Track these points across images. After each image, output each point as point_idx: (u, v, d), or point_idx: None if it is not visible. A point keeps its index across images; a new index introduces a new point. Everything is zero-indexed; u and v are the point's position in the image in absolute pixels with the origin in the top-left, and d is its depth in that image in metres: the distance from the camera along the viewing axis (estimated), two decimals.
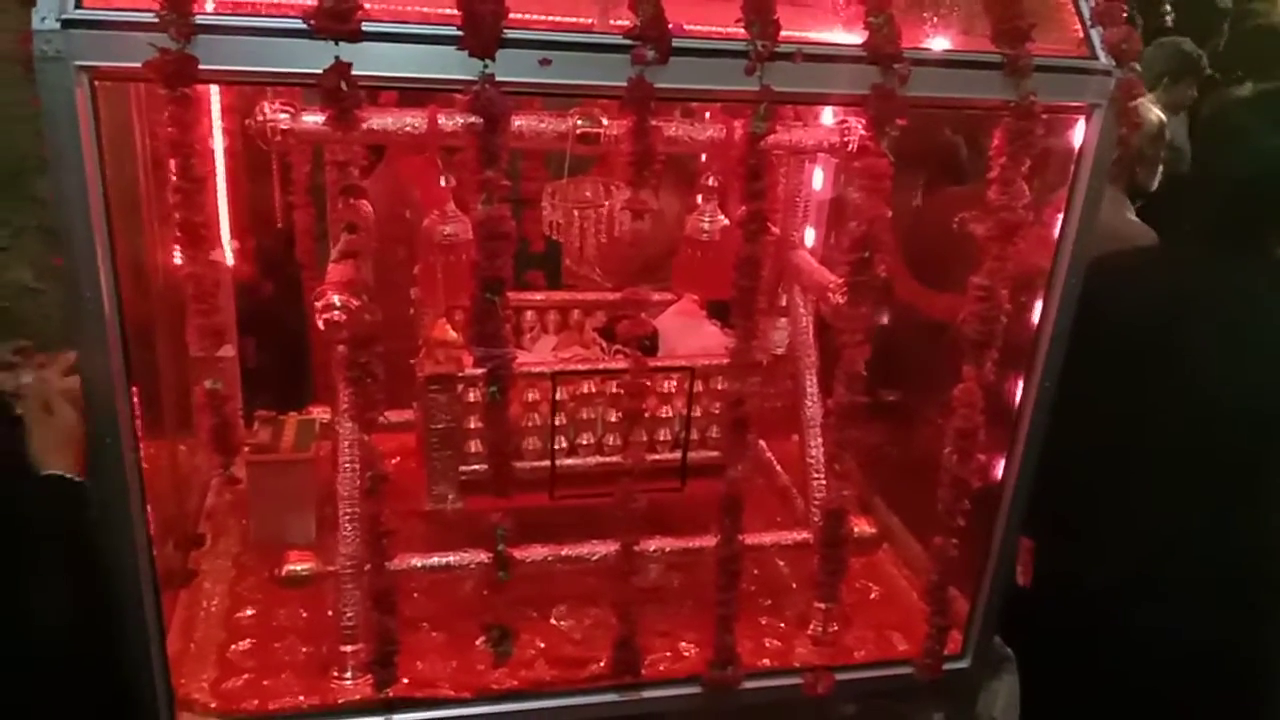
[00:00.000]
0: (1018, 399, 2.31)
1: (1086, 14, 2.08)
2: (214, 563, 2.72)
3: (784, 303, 2.76)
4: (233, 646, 2.42)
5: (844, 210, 3.33)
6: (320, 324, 2.06)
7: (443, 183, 2.30)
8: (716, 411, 2.63)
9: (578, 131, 2.21)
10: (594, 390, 2.56)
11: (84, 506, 2.02)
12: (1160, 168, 3.83)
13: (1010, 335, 2.19)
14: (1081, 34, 2.08)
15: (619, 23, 1.98)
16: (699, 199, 2.60)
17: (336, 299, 2.05)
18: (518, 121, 2.13)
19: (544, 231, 2.55)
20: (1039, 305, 2.24)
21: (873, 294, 2.11)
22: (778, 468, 2.94)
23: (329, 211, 2.55)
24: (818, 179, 2.98)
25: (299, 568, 2.32)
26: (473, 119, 1.76)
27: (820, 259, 2.78)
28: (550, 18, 2.11)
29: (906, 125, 1.94)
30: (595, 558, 2.43)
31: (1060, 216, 2.18)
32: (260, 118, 2.08)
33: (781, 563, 2.89)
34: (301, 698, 2.27)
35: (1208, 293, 2.48)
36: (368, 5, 1.72)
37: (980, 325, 2.15)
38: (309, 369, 3.53)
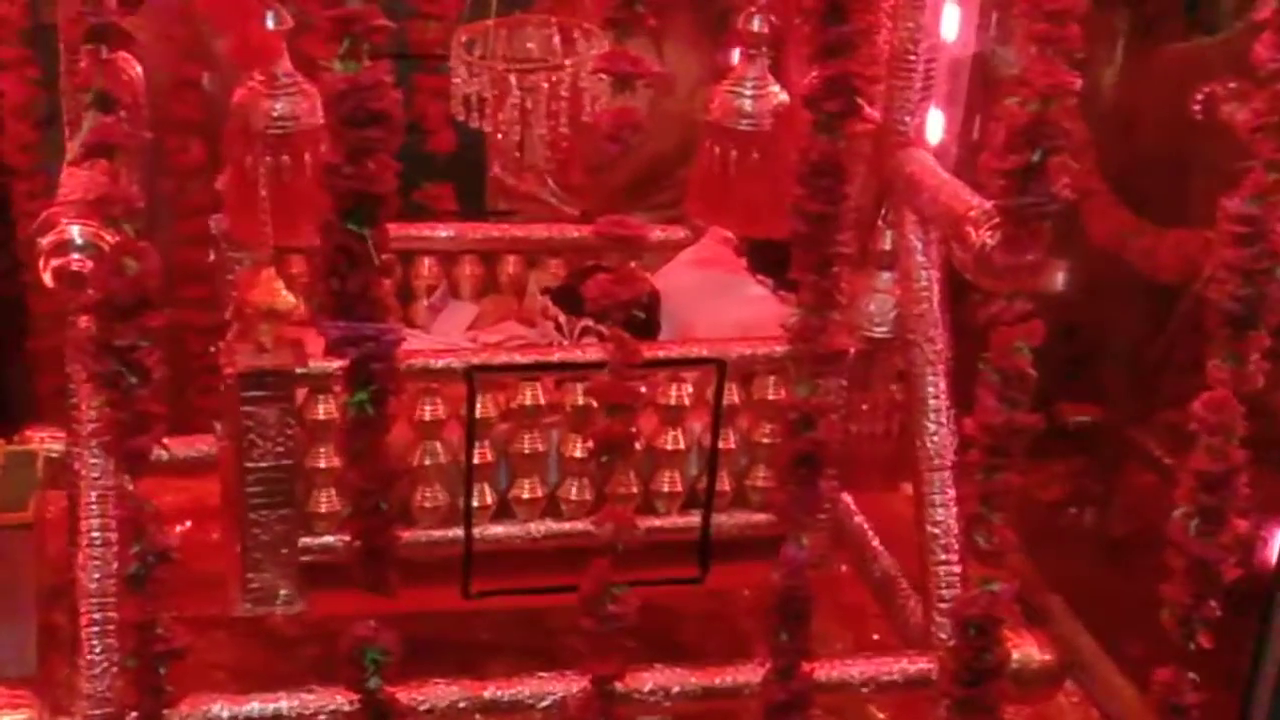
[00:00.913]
0: None
1: None
2: None
3: (888, 245, 2.77)
4: None
5: (997, 81, 3.35)
6: (47, 276, 2.06)
7: (270, 22, 2.30)
8: (765, 441, 2.65)
9: None
10: (543, 401, 2.57)
11: None
12: None
13: None
14: None
15: None
16: (734, 56, 2.60)
17: (76, 232, 2.04)
18: None
19: (454, 114, 2.56)
20: None
21: (1047, 230, 2.11)
22: (875, 542, 2.96)
23: (62, 77, 2.54)
24: (950, 21, 2.98)
25: None
26: None
27: (953, 167, 2.78)
28: None
29: None
30: (545, 704, 2.43)
31: None
32: None
33: (883, 716, 2.90)
34: None
35: None
36: None
37: (1240, 286, 2.15)
38: (24, 361, 3.53)
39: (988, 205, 2.27)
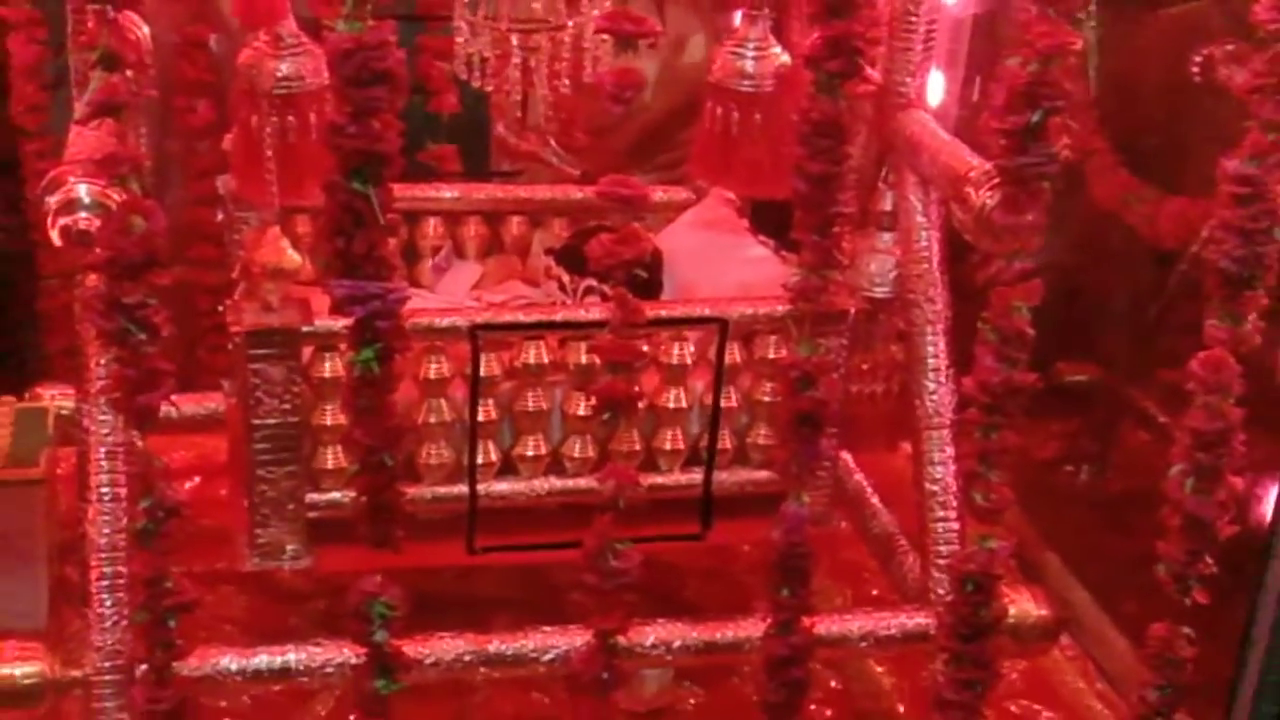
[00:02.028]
0: None
1: None
2: None
3: (888, 205, 2.76)
4: None
5: (997, 40, 3.34)
6: (55, 235, 2.06)
7: None
8: (766, 399, 2.65)
9: None
10: (547, 359, 2.57)
11: None
12: None
13: None
14: None
15: None
16: (736, 18, 2.59)
17: (84, 191, 2.04)
18: None
19: (458, 74, 2.55)
20: None
21: (1046, 191, 2.10)
22: (874, 499, 2.96)
23: (70, 35, 2.53)
24: None
25: (18, 672, 2.33)
26: None
27: (954, 128, 2.77)
28: None
29: None
30: (548, 658, 2.45)
31: None
32: None
33: (880, 669, 2.93)
34: None
35: None
36: None
37: (1238, 247, 2.15)
38: (35, 320, 3.54)
39: (988, 166, 2.27)
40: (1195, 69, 2.95)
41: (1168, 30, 3.25)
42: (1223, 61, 2.90)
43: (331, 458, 2.52)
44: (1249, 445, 2.27)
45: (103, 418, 2.36)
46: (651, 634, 2.47)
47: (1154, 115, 3.19)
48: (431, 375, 2.53)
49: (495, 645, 2.46)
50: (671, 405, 2.62)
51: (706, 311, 2.62)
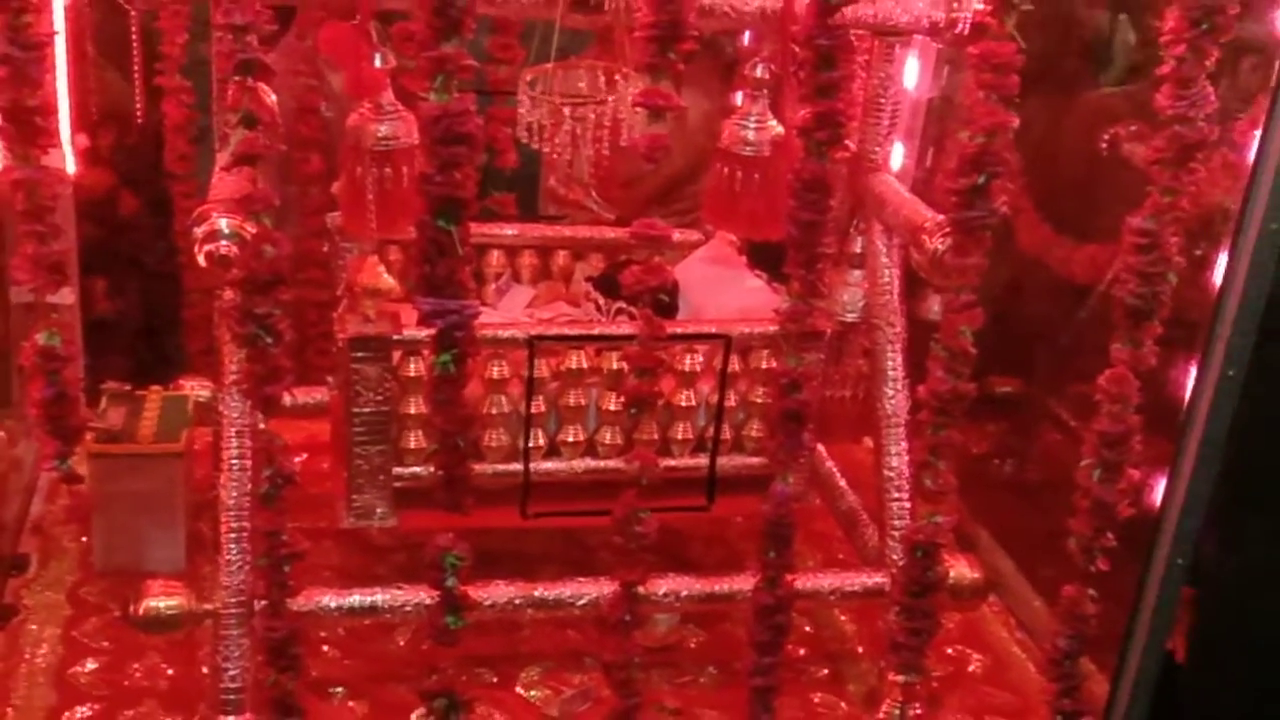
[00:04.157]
0: (1188, 392, 2.30)
1: None
2: (41, 595, 2.74)
3: (859, 248, 2.76)
4: (66, 715, 2.44)
5: (949, 118, 3.33)
6: (201, 258, 2.05)
7: (378, 62, 2.29)
8: (760, 400, 2.64)
9: None
10: (585, 365, 2.57)
11: None
12: None
13: (1181, 302, 2.18)
14: None
15: None
16: (739, 97, 2.59)
17: (225, 223, 2.04)
18: None
19: (519, 137, 2.55)
20: (1222, 260, 2.22)
21: (987, 238, 2.10)
22: (842, 482, 2.95)
23: (214, 100, 2.54)
24: (911, 72, 2.96)
25: (162, 604, 2.33)
26: None
27: (913, 187, 2.77)
28: None
29: None
30: (582, 602, 2.45)
31: (1258, 134, 2.16)
32: None
33: (844, 617, 2.91)
34: None
35: None
36: None
37: (1139, 286, 2.14)
38: (180, 324, 3.55)
39: (940, 218, 2.27)
40: (1107, 142, 2.94)
41: (1097, 110, 3.24)
42: (1127, 139, 2.89)
43: (414, 439, 2.52)
44: (1144, 445, 2.27)
45: (234, 404, 2.37)
46: (664, 585, 2.47)
47: (1080, 180, 3.18)
48: (494, 376, 2.53)
49: (540, 591, 2.46)
50: (683, 404, 2.62)
51: (713, 330, 2.62)
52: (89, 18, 3.00)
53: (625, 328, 2.47)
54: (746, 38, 3.03)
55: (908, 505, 2.59)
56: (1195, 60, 2.03)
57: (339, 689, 2.54)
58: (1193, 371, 2.28)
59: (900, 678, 2.49)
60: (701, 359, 2.60)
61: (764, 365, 2.62)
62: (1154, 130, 2.12)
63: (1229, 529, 2.44)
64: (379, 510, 2.54)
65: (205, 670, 2.47)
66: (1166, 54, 2.06)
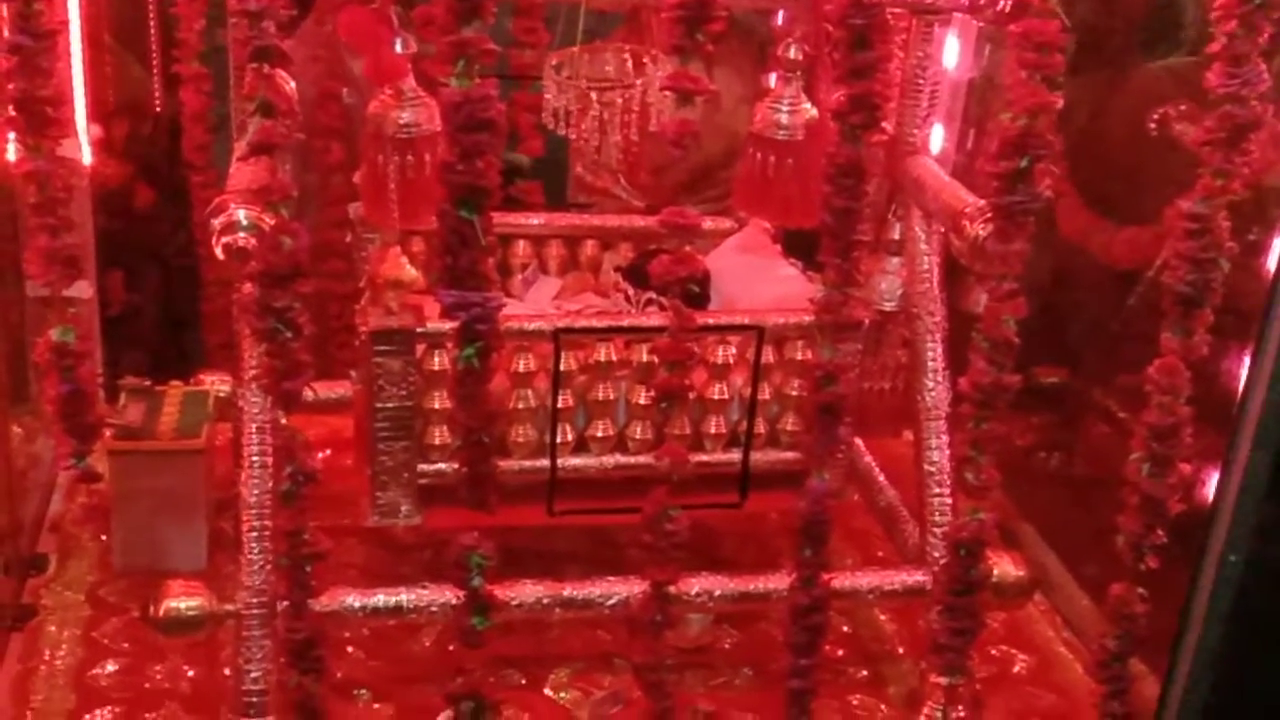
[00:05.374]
0: (1241, 383, 2.28)
1: None
2: (60, 596, 2.76)
3: (897, 235, 2.74)
4: (86, 718, 2.45)
5: (990, 99, 3.31)
6: (219, 251, 2.06)
7: (398, 47, 2.30)
8: (794, 393, 2.63)
9: None
10: (614, 358, 2.57)
11: None
12: None
13: (1233, 289, 2.16)
14: None
15: None
16: (772, 79, 2.58)
17: (242, 215, 2.05)
18: None
19: (545, 123, 2.55)
20: (1277, 244, 2.21)
21: (1030, 224, 2.08)
22: (881, 478, 2.94)
23: (232, 88, 2.55)
24: (951, 51, 2.94)
25: (183, 605, 2.34)
26: None
27: (953, 171, 2.75)
28: None
29: None
30: (612, 602, 2.44)
31: None
32: None
33: (884, 617, 2.90)
34: None
35: None
36: None
37: (1189, 273, 2.12)
38: (198, 318, 3.57)
39: (981, 203, 2.25)
40: (1155, 123, 2.92)
41: (1145, 89, 3.21)
42: (1181, 118, 2.87)
43: (439, 435, 2.53)
44: (1196, 438, 2.25)
45: (254, 399, 2.38)
46: (696, 584, 2.46)
47: (1128, 163, 3.15)
48: (520, 369, 2.53)
49: (568, 591, 2.46)
50: (716, 397, 2.61)
51: (746, 320, 2.61)
52: (105, 4, 3.02)
53: (655, 319, 2.46)
54: (779, 17, 3.01)
55: (949, 501, 2.57)
56: (1247, 36, 2.01)
57: (363, 691, 2.55)
58: (1246, 361, 2.26)
59: (942, 679, 2.48)
60: (734, 350, 2.60)
61: (799, 357, 2.61)
62: (1205, 109, 2.09)
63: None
64: (403, 508, 2.55)
65: (227, 672, 2.49)
66: (1217, 30, 2.03)
